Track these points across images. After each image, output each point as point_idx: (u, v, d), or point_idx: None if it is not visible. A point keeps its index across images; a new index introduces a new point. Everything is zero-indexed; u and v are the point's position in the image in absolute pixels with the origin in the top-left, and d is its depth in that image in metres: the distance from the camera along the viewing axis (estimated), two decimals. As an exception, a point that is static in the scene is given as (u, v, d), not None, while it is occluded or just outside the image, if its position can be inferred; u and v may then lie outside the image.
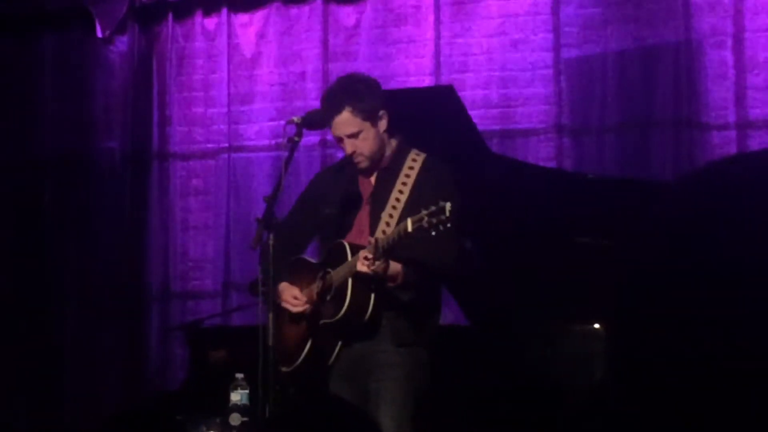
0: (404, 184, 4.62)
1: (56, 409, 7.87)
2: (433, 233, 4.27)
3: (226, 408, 5.55)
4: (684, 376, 5.03)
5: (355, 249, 4.53)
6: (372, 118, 4.63)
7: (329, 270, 4.63)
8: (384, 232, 4.51)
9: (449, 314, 6.63)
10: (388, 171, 4.69)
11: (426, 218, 4.26)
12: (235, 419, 5.50)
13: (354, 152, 4.65)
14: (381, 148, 4.68)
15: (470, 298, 5.77)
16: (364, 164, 4.68)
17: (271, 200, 4.59)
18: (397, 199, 4.60)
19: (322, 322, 4.62)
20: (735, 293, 5.05)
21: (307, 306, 4.67)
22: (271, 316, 4.51)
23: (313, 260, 4.79)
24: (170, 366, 7.76)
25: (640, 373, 5.07)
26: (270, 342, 4.49)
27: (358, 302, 4.51)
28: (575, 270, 5.41)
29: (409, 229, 4.29)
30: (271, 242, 4.52)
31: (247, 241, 6.64)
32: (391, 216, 4.57)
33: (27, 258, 8.00)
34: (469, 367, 5.33)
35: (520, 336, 5.33)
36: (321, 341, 4.66)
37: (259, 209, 4.93)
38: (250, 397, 5.44)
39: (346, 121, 4.62)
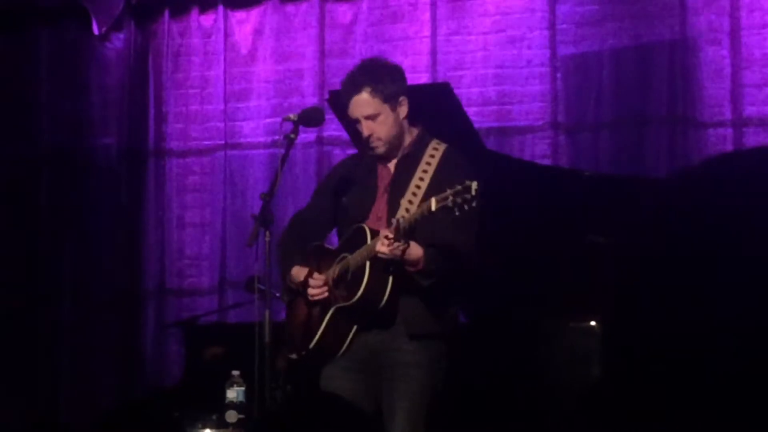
0: (425, 171, 4.55)
1: (52, 406, 7.87)
2: (457, 213, 4.19)
3: (223, 405, 5.56)
4: (680, 373, 5.04)
5: (376, 233, 4.45)
6: (391, 102, 4.57)
7: (346, 254, 4.56)
8: (404, 217, 4.41)
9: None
10: (408, 159, 4.63)
11: (451, 197, 4.19)
12: (232, 416, 5.52)
13: (371, 135, 4.59)
14: (399, 134, 4.63)
15: (466, 295, 5.77)
16: (380, 149, 4.61)
17: (268, 197, 4.58)
18: (418, 186, 4.52)
19: (337, 305, 4.53)
20: (730, 290, 5.05)
21: (326, 290, 4.57)
22: (267, 313, 4.48)
23: (331, 246, 4.69)
24: (166, 363, 7.76)
25: (636, 370, 5.08)
26: (267, 339, 4.46)
27: (375, 285, 4.42)
28: (570, 267, 5.41)
29: (433, 207, 4.21)
30: (267, 239, 4.49)
31: (243, 239, 6.66)
32: (410, 202, 4.49)
33: (22, 254, 7.99)
34: (465, 365, 5.33)
35: (515, 333, 5.33)
36: (334, 327, 4.57)
37: (255, 206, 4.95)
38: (246, 394, 5.45)
39: (364, 101, 4.57)
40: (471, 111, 6.51)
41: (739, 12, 6.78)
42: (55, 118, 8.06)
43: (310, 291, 4.61)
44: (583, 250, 5.42)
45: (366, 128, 4.59)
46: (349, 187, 4.70)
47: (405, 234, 4.29)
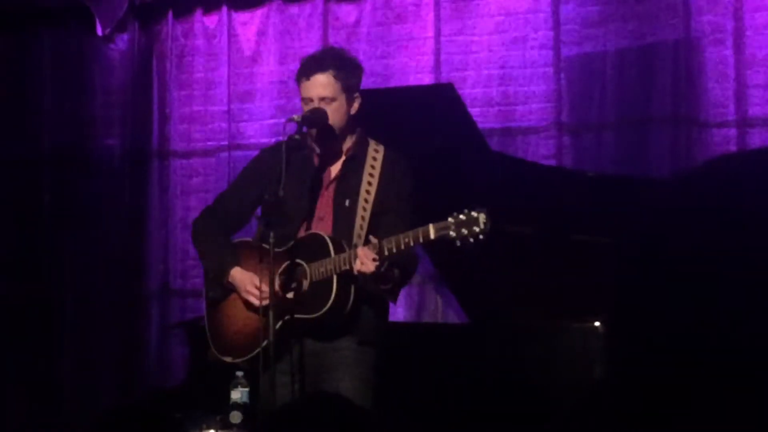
0: (371, 175, 4.52)
1: (54, 405, 7.87)
2: (459, 244, 4.09)
3: (227, 406, 5.55)
4: (683, 374, 5.03)
5: (339, 246, 4.41)
6: (349, 92, 4.53)
7: (299, 262, 4.50)
8: (362, 226, 4.43)
9: (450, 313, 6.63)
10: (354, 160, 4.58)
11: (453, 227, 4.11)
12: (236, 417, 5.51)
13: None
14: (344, 129, 4.57)
15: (469, 296, 5.77)
16: None
17: (272, 198, 4.56)
18: (368, 191, 4.48)
19: (294, 317, 4.46)
20: (734, 291, 5.05)
21: (269, 300, 4.45)
22: (270, 315, 4.44)
23: (266, 246, 4.47)
24: (170, 364, 7.76)
25: (639, 371, 5.07)
26: (271, 338, 4.43)
27: (340, 301, 4.40)
28: (574, 267, 5.41)
29: (432, 236, 4.14)
30: (271, 240, 4.45)
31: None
32: (364, 209, 4.46)
33: (25, 255, 8.00)
34: (466, 365, 5.33)
35: (518, 333, 5.33)
36: (283, 335, 4.51)
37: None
38: (250, 395, 5.45)
39: (325, 81, 4.50)
40: (474, 111, 6.51)
41: (743, 12, 6.77)
42: (58, 119, 8.06)
43: (256, 301, 4.51)
44: (586, 250, 5.42)
45: None
46: (286, 181, 4.54)
47: (388, 256, 4.24)
